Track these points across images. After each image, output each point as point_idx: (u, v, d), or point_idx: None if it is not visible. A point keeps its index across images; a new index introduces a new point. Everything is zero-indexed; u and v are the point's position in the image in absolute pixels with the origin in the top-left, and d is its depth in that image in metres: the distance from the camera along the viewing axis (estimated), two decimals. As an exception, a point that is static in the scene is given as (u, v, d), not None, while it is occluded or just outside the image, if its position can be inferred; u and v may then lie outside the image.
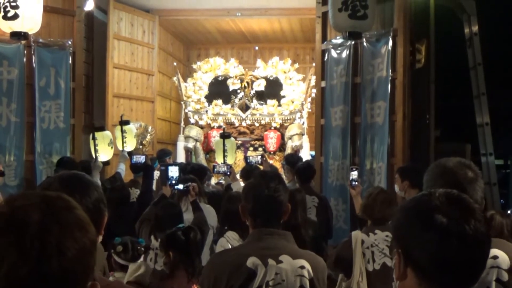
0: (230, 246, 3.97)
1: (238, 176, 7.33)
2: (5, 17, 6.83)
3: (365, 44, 7.08)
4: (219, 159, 8.26)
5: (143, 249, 3.86)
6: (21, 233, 1.05)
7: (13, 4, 6.78)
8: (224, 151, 7.91)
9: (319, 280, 2.54)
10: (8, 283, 1.03)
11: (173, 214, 4.73)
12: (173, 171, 5.41)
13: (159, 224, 4.65)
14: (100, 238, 1.83)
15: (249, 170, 6.46)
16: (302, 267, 2.49)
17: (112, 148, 7.11)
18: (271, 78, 10.52)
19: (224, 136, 8.14)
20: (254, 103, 10.35)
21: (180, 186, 5.15)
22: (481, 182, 2.25)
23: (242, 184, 6.44)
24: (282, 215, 2.63)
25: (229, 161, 8.00)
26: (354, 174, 5.46)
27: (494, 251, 2.20)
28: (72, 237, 1.08)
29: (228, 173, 7.03)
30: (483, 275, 2.12)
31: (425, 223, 1.42)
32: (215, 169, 7.10)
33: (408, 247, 1.46)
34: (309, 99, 10.35)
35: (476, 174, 2.25)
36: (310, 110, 10.50)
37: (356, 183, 5.41)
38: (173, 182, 5.35)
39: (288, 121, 10.35)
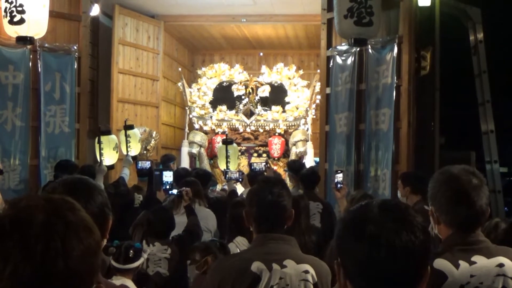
0: (239, 251, 3.98)
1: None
2: (11, 22, 6.86)
3: (370, 50, 7.08)
4: (221, 165, 8.25)
5: (132, 252, 3.85)
6: (26, 233, 1.05)
7: (19, 9, 6.81)
8: (227, 157, 7.90)
9: (323, 284, 2.54)
10: (13, 283, 1.03)
11: (164, 219, 4.74)
12: (168, 176, 5.40)
13: (151, 229, 4.66)
14: (105, 242, 1.83)
15: (255, 176, 6.46)
16: (306, 272, 2.50)
17: (117, 152, 7.11)
18: (275, 84, 10.54)
19: (227, 142, 8.13)
20: (259, 109, 10.36)
21: (174, 191, 5.15)
22: (486, 189, 2.24)
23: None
24: (285, 220, 2.64)
25: (232, 167, 7.99)
26: (339, 177, 5.46)
27: (500, 259, 2.18)
28: (77, 237, 1.08)
29: (240, 179, 7.02)
30: (488, 283, 2.14)
31: (357, 234, 1.38)
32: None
33: (343, 259, 1.42)
34: (313, 106, 10.35)
35: (481, 181, 2.24)
36: (314, 117, 10.51)
37: (341, 185, 5.41)
38: (168, 187, 5.33)
39: (293, 127, 10.35)
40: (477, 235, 2.23)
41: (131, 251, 3.82)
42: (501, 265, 2.17)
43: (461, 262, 2.15)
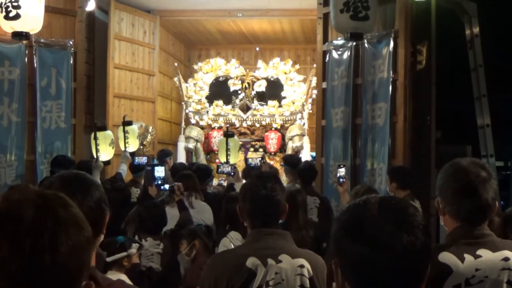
0: (233, 246, 3.98)
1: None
2: (6, 17, 6.83)
3: (366, 45, 7.07)
4: (222, 158, 8.23)
5: (118, 245, 3.88)
6: (15, 227, 1.05)
7: (15, 4, 6.78)
8: (227, 150, 7.89)
9: (319, 278, 2.54)
10: (0, 277, 1.03)
11: (156, 214, 4.76)
12: (159, 171, 5.39)
13: (143, 224, 4.68)
14: (102, 237, 1.83)
15: (250, 171, 6.46)
16: (302, 266, 2.50)
17: (113, 148, 7.11)
18: (272, 79, 10.54)
19: (228, 135, 8.11)
20: (255, 104, 10.36)
21: (166, 186, 5.16)
22: (494, 183, 2.24)
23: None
24: (280, 215, 2.64)
25: (232, 160, 7.96)
26: (342, 171, 5.46)
27: (505, 253, 2.18)
28: (66, 233, 1.08)
29: (232, 173, 7.00)
30: (494, 277, 2.13)
31: (354, 236, 1.30)
32: (219, 169, 7.06)
33: (340, 260, 1.35)
34: (309, 100, 10.36)
35: (489, 174, 2.24)
36: (310, 111, 10.51)
37: (344, 180, 5.40)
38: (160, 182, 5.33)
39: (289, 122, 10.35)
40: (482, 228, 2.23)
41: (117, 244, 3.85)
42: (506, 259, 2.17)
43: (466, 255, 2.15)
